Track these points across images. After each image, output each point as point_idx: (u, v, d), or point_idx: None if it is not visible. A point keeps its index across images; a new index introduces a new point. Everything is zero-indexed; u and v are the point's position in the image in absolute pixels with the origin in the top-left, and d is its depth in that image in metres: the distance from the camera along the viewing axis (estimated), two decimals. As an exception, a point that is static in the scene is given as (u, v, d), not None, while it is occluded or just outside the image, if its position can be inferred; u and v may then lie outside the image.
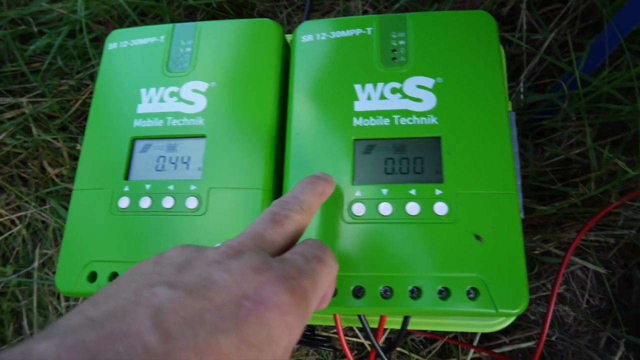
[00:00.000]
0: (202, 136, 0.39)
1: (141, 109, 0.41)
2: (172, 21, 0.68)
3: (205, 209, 0.37)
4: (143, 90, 0.41)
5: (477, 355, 0.63)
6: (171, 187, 0.38)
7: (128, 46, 0.43)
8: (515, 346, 0.61)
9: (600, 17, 0.59)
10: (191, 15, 0.70)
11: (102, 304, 0.18)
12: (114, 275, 0.37)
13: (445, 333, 0.63)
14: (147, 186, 0.39)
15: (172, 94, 0.41)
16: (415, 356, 0.64)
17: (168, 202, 0.38)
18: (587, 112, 0.55)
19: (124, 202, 0.39)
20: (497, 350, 0.62)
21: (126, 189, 0.39)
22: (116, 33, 0.44)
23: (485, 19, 0.38)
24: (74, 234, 0.39)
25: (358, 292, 0.33)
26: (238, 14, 0.69)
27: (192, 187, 0.38)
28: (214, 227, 0.37)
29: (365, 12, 0.69)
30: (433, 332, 0.63)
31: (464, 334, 0.64)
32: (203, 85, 0.41)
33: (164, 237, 0.37)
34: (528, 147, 0.58)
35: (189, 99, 0.40)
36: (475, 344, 0.63)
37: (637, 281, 0.58)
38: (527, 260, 0.61)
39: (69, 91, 0.67)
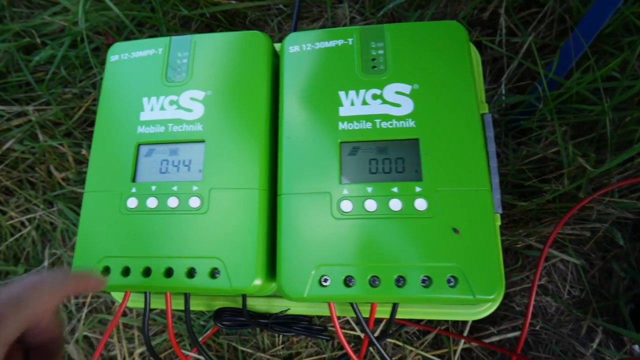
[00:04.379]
0: (202, 141, 0.42)
1: (144, 116, 0.44)
2: (168, 31, 0.71)
3: (207, 207, 0.40)
4: (145, 99, 0.45)
5: (467, 345, 0.66)
6: (175, 188, 0.41)
7: (129, 58, 0.47)
8: (503, 336, 0.64)
9: (577, 20, 0.62)
10: (186, 24, 0.73)
11: None
12: (126, 270, 0.40)
13: (437, 325, 0.66)
14: (153, 187, 0.42)
15: (171, 102, 0.44)
16: (409, 347, 0.67)
17: (173, 202, 0.41)
18: (563, 112, 0.58)
19: (132, 203, 0.42)
20: (486, 340, 0.65)
21: (134, 190, 0.42)
22: (117, 46, 0.48)
23: (456, 28, 0.42)
24: (87, 232, 0.42)
25: (349, 282, 0.37)
26: (230, 23, 0.72)
27: (195, 188, 0.41)
28: (216, 224, 0.40)
29: (352, 19, 0.72)
30: (426, 323, 0.66)
31: (454, 325, 0.67)
32: (200, 94, 0.44)
33: (170, 234, 0.40)
34: (510, 147, 0.61)
35: (188, 106, 0.44)
36: (465, 334, 0.66)
37: (615, 273, 0.61)
38: (510, 253, 0.64)
39: (72, 99, 0.70)
